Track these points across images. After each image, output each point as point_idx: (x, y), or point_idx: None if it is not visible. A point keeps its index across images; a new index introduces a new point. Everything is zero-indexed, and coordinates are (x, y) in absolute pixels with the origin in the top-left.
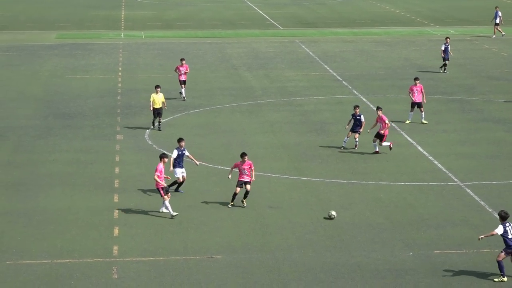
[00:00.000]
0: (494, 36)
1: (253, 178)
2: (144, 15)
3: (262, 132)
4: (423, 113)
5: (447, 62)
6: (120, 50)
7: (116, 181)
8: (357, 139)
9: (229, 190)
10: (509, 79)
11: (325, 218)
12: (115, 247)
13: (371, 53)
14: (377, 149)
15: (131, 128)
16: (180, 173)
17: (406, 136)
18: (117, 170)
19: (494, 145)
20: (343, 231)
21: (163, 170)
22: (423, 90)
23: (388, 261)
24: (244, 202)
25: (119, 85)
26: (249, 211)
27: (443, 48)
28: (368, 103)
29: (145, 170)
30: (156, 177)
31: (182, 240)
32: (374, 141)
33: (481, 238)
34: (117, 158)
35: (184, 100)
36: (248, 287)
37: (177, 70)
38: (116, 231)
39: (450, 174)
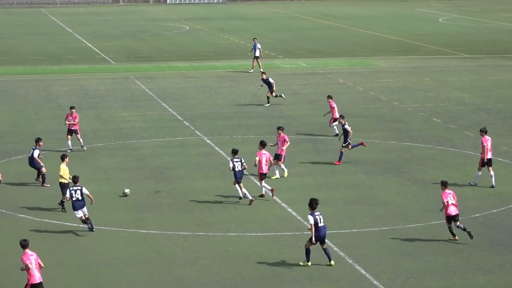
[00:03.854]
0: (252, 70)
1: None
2: None
3: (94, 180)
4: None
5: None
6: None
7: None
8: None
9: (59, 247)
10: (366, 116)
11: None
12: None
13: (215, 89)
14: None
15: None
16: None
17: (255, 180)
18: None
19: (352, 189)
20: None
21: None
22: None
23: None
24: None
25: None
26: (82, 270)
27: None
28: (213, 145)
29: None
30: None
31: None
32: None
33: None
34: None
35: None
36: None
37: (67, 119)
38: None
39: (305, 223)
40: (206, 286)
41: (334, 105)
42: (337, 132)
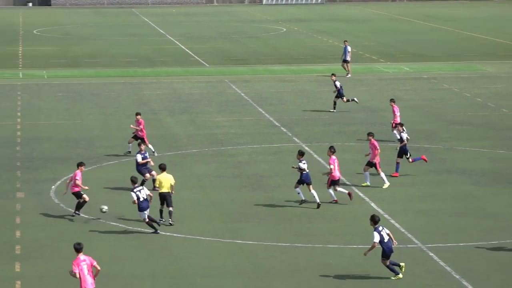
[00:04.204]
0: (350, 75)
1: None
2: (45, 51)
3: (188, 187)
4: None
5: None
6: (19, 92)
7: (18, 247)
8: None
9: (152, 257)
10: (473, 123)
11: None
12: None
13: (313, 94)
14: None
15: (34, 184)
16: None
17: (357, 190)
18: (18, 234)
19: (459, 201)
20: None
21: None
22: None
23: None
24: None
25: (18, 133)
26: (176, 281)
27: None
28: (312, 152)
29: (51, 233)
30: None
31: None
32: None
33: (366, 254)
34: (17, 220)
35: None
36: None
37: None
38: None
39: (409, 235)
40: None
41: (396, 110)
42: (398, 137)
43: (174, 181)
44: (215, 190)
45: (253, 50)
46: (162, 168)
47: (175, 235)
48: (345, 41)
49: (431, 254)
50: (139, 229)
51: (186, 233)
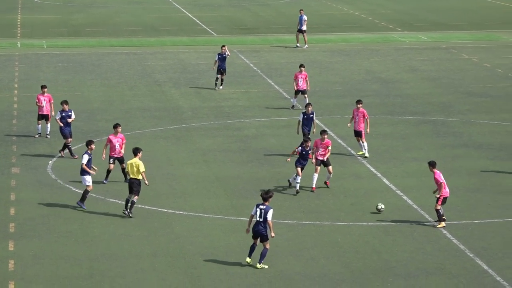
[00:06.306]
0: (298, 44)
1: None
2: (45, 19)
3: (192, 162)
4: (364, 143)
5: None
6: (16, 63)
7: (11, 225)
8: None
9: (152, 235)
10: (493, 95)
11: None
12: None
13: (326, 64)
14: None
15: (30, 158)
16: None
17: (368, 165)
18: (12, 211)
19: (475, 176)
20: (292, 283)
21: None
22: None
23: None
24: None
25: (15, 106)
26: (177, 260)
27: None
28: (322, 125)
29: (47, 210)
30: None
31: None
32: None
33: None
34: (12, 197)
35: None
36: None
37: (38, 102)
38: (11, 287)
39: (422, 212)
40: (311, 279)
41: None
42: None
43: (143, 169)
44: (220, 165)
45: (263, 18)
46: (134, 153)
47: (176, 212)
48: (300, 10)
49: (445, 231)
50: (140, 206)
51: (188, 210)
